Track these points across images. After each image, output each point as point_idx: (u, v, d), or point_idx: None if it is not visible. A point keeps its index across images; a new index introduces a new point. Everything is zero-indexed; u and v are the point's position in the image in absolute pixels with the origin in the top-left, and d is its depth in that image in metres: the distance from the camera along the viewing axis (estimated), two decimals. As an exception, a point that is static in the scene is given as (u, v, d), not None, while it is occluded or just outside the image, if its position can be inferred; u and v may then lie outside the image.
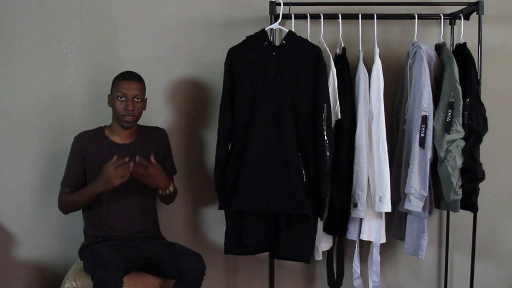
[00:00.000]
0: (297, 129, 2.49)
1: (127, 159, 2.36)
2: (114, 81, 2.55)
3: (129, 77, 2.51)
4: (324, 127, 2.48)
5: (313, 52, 2.52)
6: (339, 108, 2.57)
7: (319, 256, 2.70)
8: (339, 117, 2.58)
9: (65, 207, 2.54)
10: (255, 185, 2.48)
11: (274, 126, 2.49)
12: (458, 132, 2.50)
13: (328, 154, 2.50)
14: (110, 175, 2.34)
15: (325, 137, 2.48)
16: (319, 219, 2.59)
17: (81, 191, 2.47)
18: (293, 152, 2.47)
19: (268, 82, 2.50)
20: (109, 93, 2.56)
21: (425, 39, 2.79)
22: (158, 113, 2.92)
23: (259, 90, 2.50)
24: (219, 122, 2.60)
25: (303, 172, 2.48)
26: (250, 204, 2.50)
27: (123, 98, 2.48)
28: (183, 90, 2.95)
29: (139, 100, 2.52)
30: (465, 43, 2.66)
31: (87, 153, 2.53)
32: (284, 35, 2.60)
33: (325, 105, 2.48)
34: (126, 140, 2.57)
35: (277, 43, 2.70)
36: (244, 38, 2.60)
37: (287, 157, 2.47)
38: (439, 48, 2.70)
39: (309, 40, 2.62)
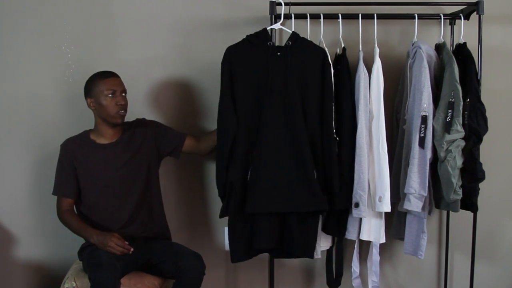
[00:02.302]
0: (306, 128, 2.50)
1: (131, 250, 2.38)
2: (92, 82, 2.50)
3: (111, 75, 2.52)
4: (333, 125, 2.51)
5: (320, 53, 2.54)
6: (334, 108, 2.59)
7: (317, 254, 2.70)
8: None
9: (63, 223, 2.54)
10: (269, 186, 2.47)
11: (285, 126, 2.49)
12: (458, 132, 2.50)
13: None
14: (109, 246, 2.35)
15: (335, 135, 2.51)
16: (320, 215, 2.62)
17: (81, 227, 2.47)
18: (306, 151, 2.48)
19: (276, 82, 2.50)
20: (89, 97, 2.51)
21: (425, 39, 2.79)
22: (158, 113, 2.92)
23: (269, 90, 2.50)
24: (221, 124, 2.53)
25: (314, 169, 2.49)
26: (266, 206, 2.48)
27: (111, 95, 2.47)
28: (182, 90, 2.95)
29: (125, 95, 2.53)
30: (465, 43, 2.66)
31: (76, 159, 2.53)
32: (284, 35, 2.60)
33: (333, 104, 2.52)
34: (112, 139, 2.56)
35: (277, 43, 2.69)
36: (244, 37, 2.59)
37: (301, 156, 2.47)
38: (439, 48, 2.70)
39: (311, 41, 2.61)
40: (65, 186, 2.53)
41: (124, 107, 2.51)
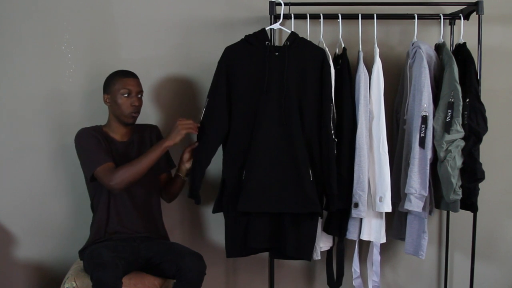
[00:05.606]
0: (303, 129, 2.50)
1: (198, 126, 2.51)
2: (111, 79, 2.54)
3: (131, 75, 2.55)
4: (332, 126, 2.50)
5: (319, 53, 2.54)
6: (334, 108, 2.58)
7: (317, 256, 2.70)
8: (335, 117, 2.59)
9: (125, 180, 2.40)
10: (263, 186, 2.48)
11: (280, 126, 2.49)
12: (458, 132, 2.50)
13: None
14: (179, 126, 2.44)
15: (333, 136, 2.50)
16: (319, 217, 2.60)
17: (142, 155, 2.43)
18: (301, 152, 2.48)
19: (273, 82, 2.50)
20: (106, 93, 2.55)
21: (425, 39, 2.79)
22: (157, 112, 2.93)
23: (265, 90, 2.50)
24: (209, 123, 2.53)
25: (310, 171, 2.48)
26: (258, 205, 2.48)
27: (127, 95, 2.49)
28: (182, 89, 2.95)
29: (141, 96, 2.56)
30: (465, 43, 2.66)
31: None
32: (284, 35, 2.60)
33: (331, 105, 2.51)
34: (124, 138, 2.58)
35: (276, 43, 2.70)
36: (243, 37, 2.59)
37: (295, 157, 2.47)
38: (439, 48, 2.70)
39: (310, 41, 2.61)
40: (101, 153, 2.46)
41: (138, 108, 2.53)
